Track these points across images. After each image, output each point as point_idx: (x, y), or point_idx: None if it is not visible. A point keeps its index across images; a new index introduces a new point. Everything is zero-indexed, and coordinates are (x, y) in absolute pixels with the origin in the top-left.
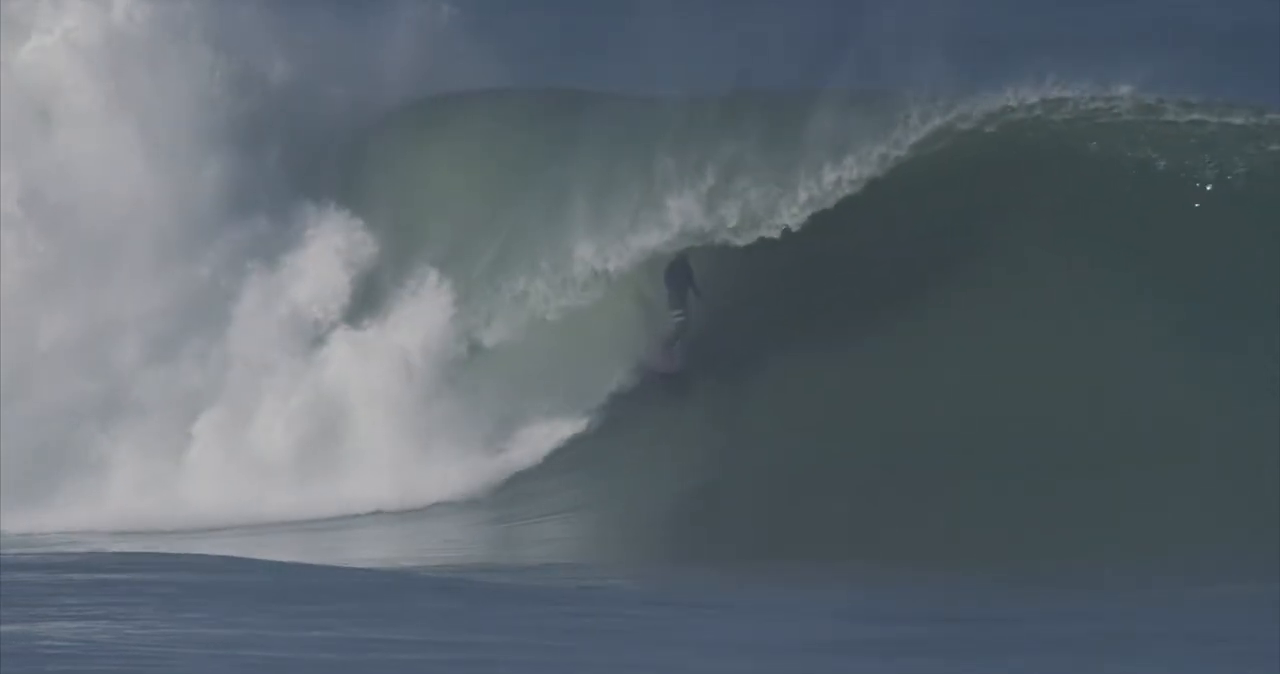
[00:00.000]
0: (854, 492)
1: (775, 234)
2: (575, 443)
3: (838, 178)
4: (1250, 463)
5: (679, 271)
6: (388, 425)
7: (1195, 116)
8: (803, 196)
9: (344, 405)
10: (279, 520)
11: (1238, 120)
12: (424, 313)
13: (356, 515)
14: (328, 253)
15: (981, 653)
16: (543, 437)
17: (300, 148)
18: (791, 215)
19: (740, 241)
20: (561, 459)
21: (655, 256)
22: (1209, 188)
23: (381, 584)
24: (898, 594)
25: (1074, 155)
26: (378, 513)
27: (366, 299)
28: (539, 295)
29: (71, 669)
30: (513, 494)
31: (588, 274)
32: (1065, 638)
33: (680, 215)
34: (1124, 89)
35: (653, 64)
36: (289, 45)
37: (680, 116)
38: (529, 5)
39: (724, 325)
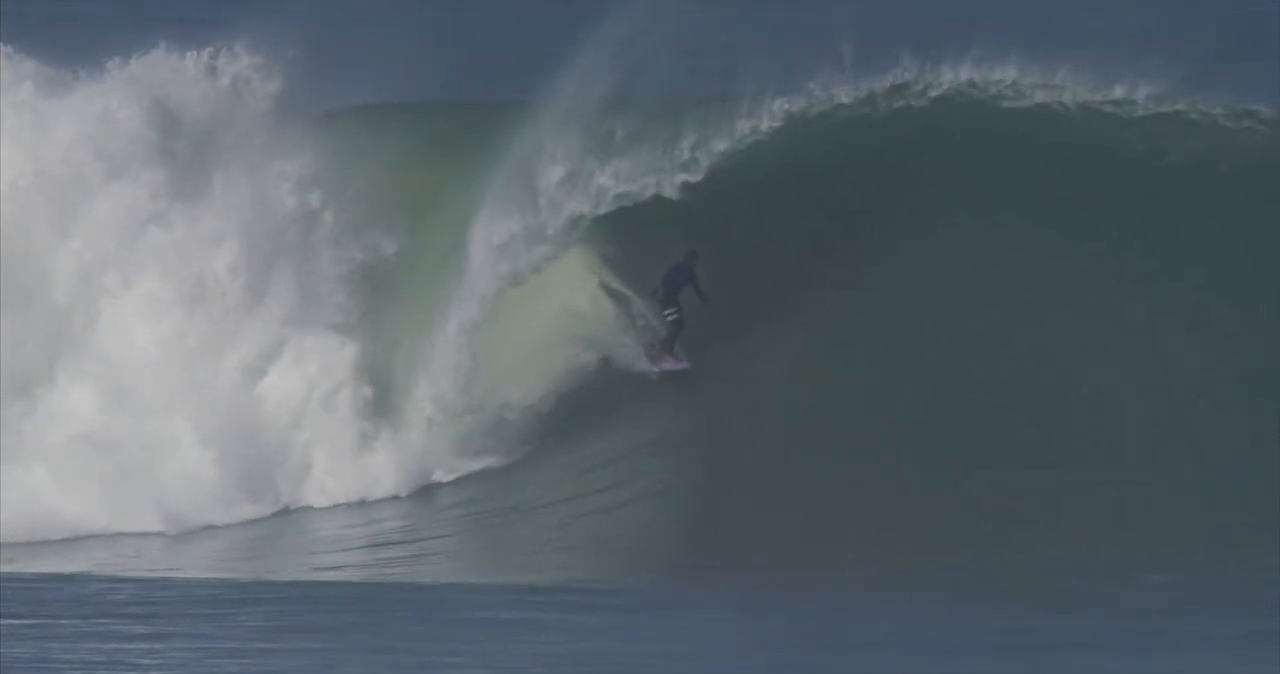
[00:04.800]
0: (852, 489)
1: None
2: (567, 442)
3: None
4: (1220, 446)
5: (681, 272)
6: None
7: (1167, 103)
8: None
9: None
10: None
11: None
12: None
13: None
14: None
15: (979, 652)
16: (535, 437)
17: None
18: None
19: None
20: (553, 458)
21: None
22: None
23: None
24: (895, 592)
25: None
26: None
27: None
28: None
29: None
30: (507, 492)
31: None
32: (1062, 639)
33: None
34: (1070, 72)
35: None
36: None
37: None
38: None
39: (724, 322)
